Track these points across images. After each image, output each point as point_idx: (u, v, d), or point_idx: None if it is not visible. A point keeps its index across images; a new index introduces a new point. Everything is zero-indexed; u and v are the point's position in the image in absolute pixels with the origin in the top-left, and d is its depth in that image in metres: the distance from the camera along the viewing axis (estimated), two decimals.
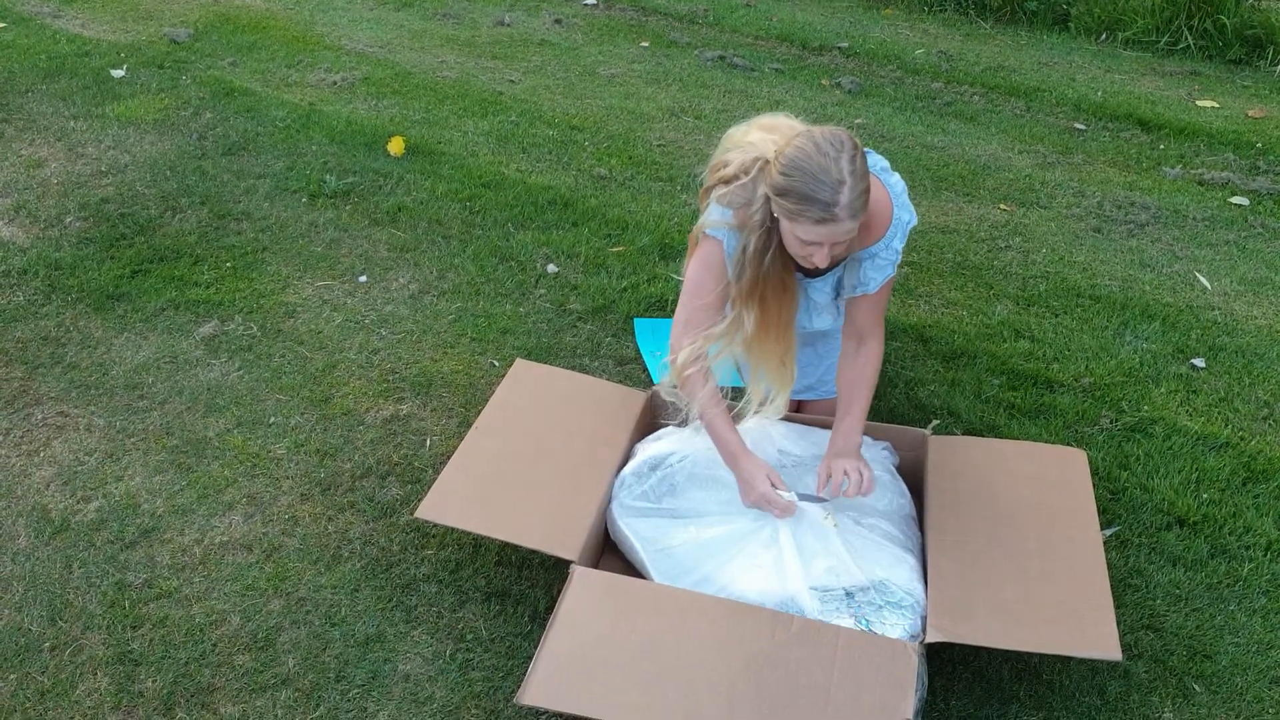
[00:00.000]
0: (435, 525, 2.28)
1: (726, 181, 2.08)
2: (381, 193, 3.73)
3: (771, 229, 2.02)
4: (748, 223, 2.04)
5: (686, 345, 2.15)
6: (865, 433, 2.38)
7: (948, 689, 2.01)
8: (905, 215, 2.14)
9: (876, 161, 2.16)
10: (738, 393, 2.75)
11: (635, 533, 2.14)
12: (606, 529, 2.24)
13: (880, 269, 2.15)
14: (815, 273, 2.21)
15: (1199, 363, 2.96)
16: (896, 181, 2.17)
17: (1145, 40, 5.48)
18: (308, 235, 3.46)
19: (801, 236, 1.95)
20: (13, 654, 2.05)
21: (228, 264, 3.28)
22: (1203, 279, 3.38)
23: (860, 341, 2.23)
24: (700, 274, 2.18)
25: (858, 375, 2.22)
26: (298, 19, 5.50)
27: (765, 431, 2.31)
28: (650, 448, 2.31)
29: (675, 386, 2.23)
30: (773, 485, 2.09)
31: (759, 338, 2.15)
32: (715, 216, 2.12)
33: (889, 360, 2.90)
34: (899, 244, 2.14)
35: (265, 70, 4.79)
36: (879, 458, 2.31)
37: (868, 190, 1.92)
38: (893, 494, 2.23)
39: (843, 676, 1.80)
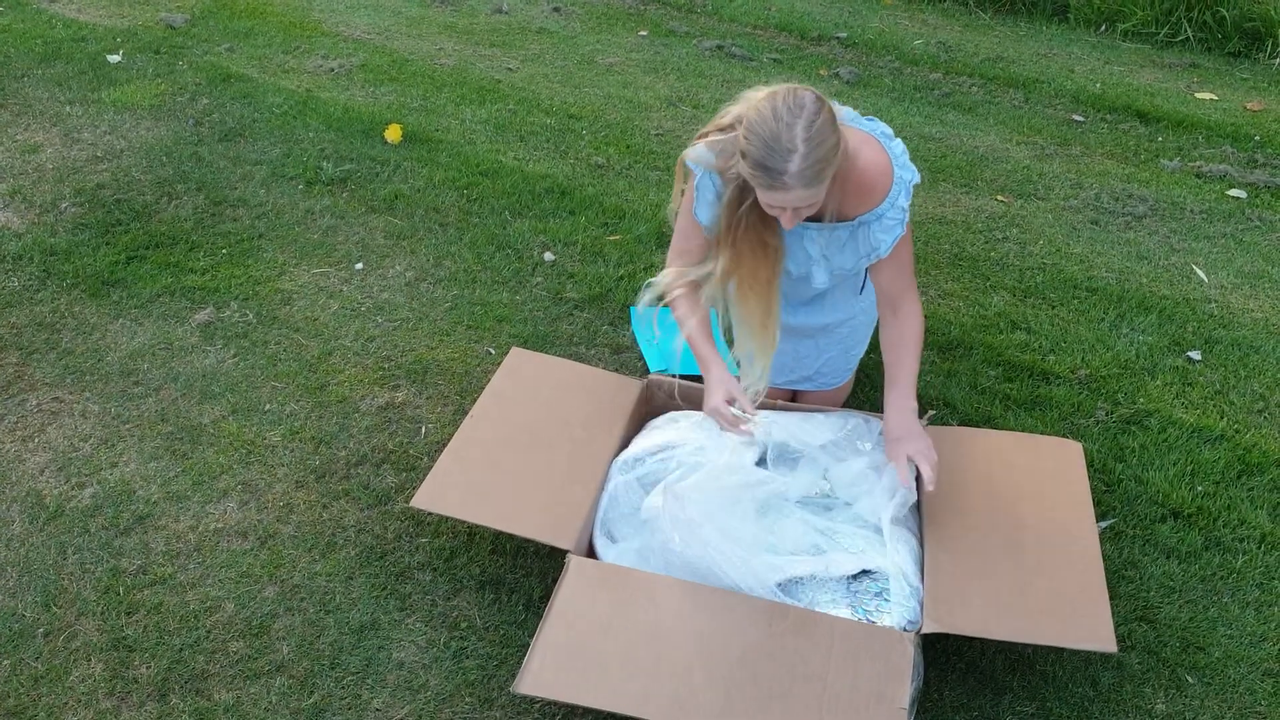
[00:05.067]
0: (430, 513, 2.28)
1: (722, 130, 2.07)
2: (378, 180, 3.72)
3: (746, 185, 2.01)
4: (727, 173, 2.04)
5: (670, 271, 2.22)
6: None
7: (941, 680, 2.02)
8: (907, 174, 2.11)
9: (877, 127, 2.14)
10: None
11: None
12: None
13: (889, 229, 2.11)
14: (811, 221, 2.17)
15: (1195, 355, 2.96)
16: (898, 144, 2.14)
17: (1144, 32, 5.47)
18: (304, 222, 3.45)
19: (761, 200, 1.96)
20: (7, 640, 2.05)
21: (223, 250, 3.27)
22: (1200, 271, 3.38)
23: (894, 309, 2.20)
24: (684, 219, 2.23)
25: (897, 336, 2.19)
26: (295, 5, 5.48)
27: (775, 420, 2.29)
28: (644, 441, 2.29)
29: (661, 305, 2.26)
30: (733, 402, 2.15)
31: (740, 295, 2.15)
32: (700, 151, 2.11)
33: None
34: (904, 201, 2.10)
35: (262, 56, 4.77)
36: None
37: (826, 157, 1.88)
38: (896, 481, 2.22)
39: (839, 666, 1.81)
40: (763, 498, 2.09)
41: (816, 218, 2.14)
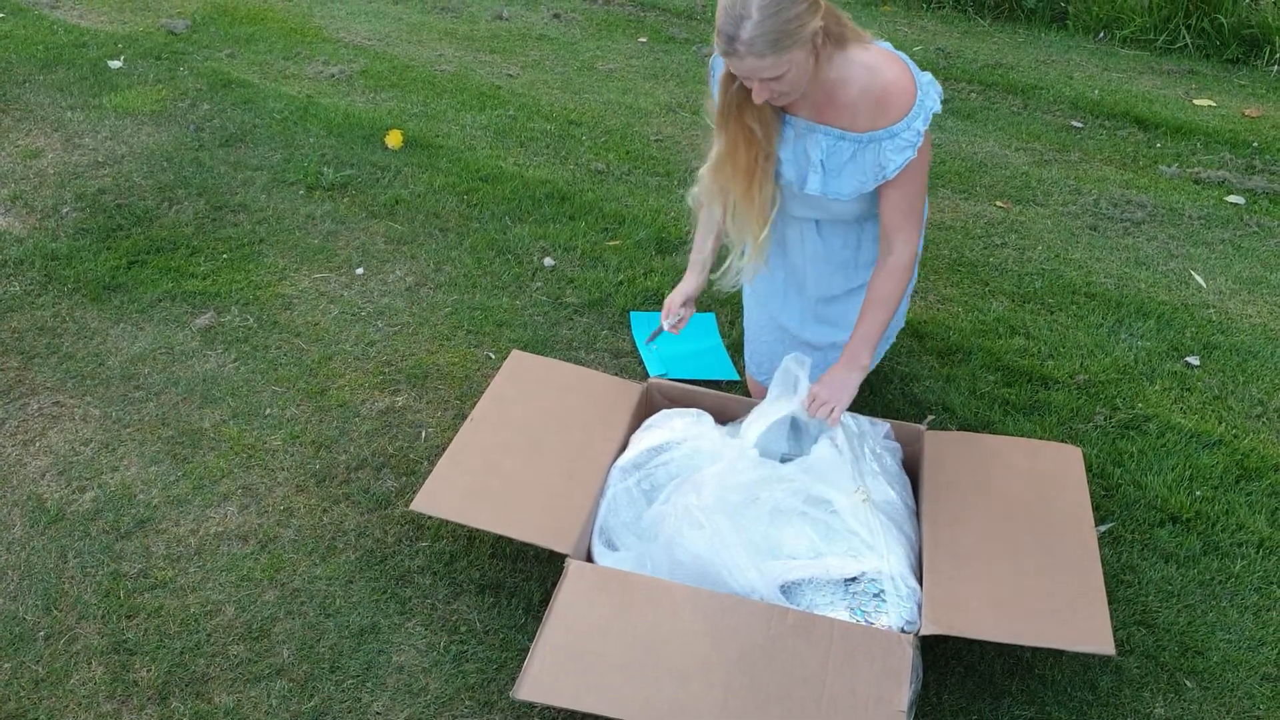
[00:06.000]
0: (430, 517, 2.28)
1: None
2: (379, 185, 3.72)
3: None
4: None
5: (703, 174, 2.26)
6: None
7: (940, 683, 2.02)
8: (930, 102, 2.09)
9: (902, 57, 2.13)
10: (735, 386, 2.76)
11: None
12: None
13: (900, 150, 2.08)
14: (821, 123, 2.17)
15: (1193, 360, 2.97)
16: (926, 75, 2.13)
17: (1143, 39, 5.48)
18: (305, 227, 3.46)
19: (730, 70, 1.97)
20: (8, 643, 2.05)
21: (224, 255, 3.28)
22: (1198, 277, 3.39)
23: (888, 249, 2.20)
24: (709, 105, 2.25)
25: (875, 286, 2.22)
26: (296, 11, 5.49)
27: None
28: (642, 440, 2.30)
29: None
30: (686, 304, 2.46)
31: (733, 174, 2.17)
32: None
33: (886, 356, 2.90)
34: (921, 125, 2.07)
35: (263, 62, 4.78)
36: (893, 448, 2.31)
37: (783, 28, 1.85)
38: (899, 486, 2.23)
39: (838, 669, 1.81)
40: (780, 497, 2.08)
41: (829, 121, 2.13)
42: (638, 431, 2.35)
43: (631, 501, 2.19)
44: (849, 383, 2.21)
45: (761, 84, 1.94)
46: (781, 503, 2.08)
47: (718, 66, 2.14)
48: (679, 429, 2.27)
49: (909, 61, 2.12)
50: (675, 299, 2.47)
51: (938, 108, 2.11)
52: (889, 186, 2.15)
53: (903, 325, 2.65)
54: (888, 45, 2.15)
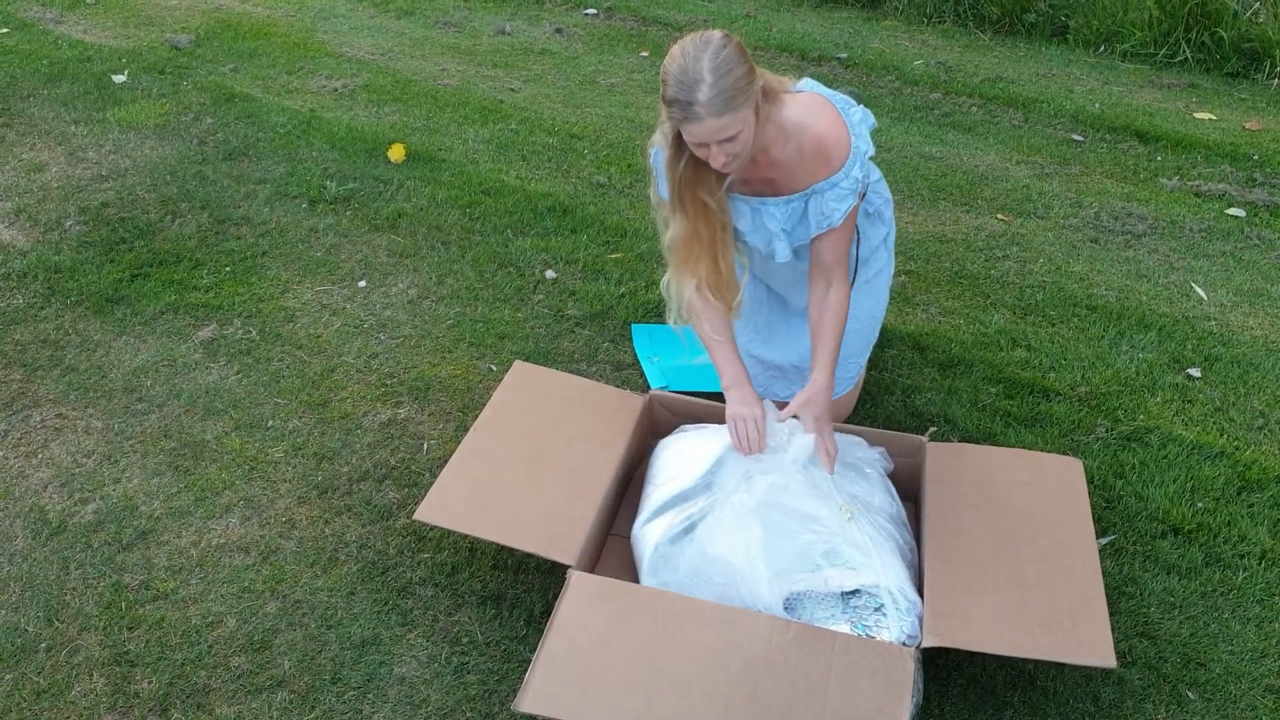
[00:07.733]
0: (431, 528, 2.28)
1: None
2: (381, 199, 3.74)
3: (678, 138, 2.06)
4: (667, 136, 2.09)
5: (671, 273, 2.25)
6: (861, 437, 2.38)
7: (942, 695, 2.01)
8: (864, 145, 2.15)
9: (835, 96, 2.18)
10: None
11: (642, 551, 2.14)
12: (603, 533, 2.24)
13: (842, 198, 2.14)
14: (769, 195, 2.21)
15: (1195, 372, 2.97)
16: (857, 113, 2.18)
17: (1143, 52, 5.50)
18: (307, 240, 3.47)
19: (686, 139, 2.00)
20: (9, 654, 2.05)
21: (227, 268, 3.29)
22: (1199, 289, 3.39)
23: (828, 283, 2.23)
24: (659, 206, 2.27)
25: (825, 318, 2.23)
26: (299, 26, 5.52)
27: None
28: (661, 488, 2.25)
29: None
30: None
31: (684, 250, 2.19)
32: (656, 136, 2.19)
33: (886, 367, 2.91)
34: (858, 172, 2.13)
35: (266, 76, 4.80)
36: (871, 459, 2.31)
37: (735, 86, 1.92)
38: (882, 496, 2.23)
39: (839, 682, 1.81)
40: (810, 541, 2.07)
41: (775, 193, 2.18)
42: (655, 466, 2.33)
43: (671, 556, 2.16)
44: (826, 403, 2.22)
45: (718, 147, 1.99)
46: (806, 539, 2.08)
47: (659, 159, 2.18)
48: (692, 462, 2.24)
49: (836, 100, 2.17)
50: (760, 410, 2.23)
51: (871, 150, 2.18)
52: (831, 230, 2.20)
53: (867, 355, 2.67)
54: (809, 84, 2.19)
